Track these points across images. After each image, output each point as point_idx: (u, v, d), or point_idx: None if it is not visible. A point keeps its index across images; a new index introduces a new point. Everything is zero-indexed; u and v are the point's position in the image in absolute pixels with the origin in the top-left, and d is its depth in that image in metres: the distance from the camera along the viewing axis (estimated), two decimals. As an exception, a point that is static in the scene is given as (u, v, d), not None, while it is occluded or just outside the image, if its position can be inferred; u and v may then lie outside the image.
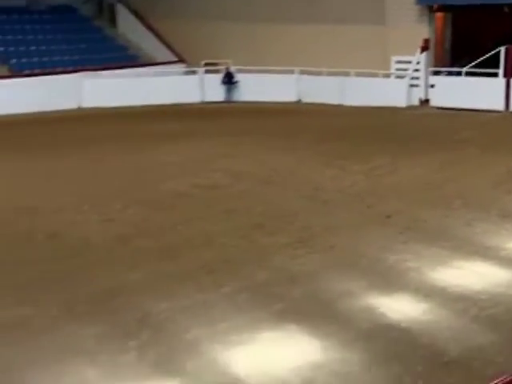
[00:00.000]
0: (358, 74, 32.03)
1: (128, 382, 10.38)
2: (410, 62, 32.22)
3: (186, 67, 35.24)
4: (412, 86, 32.44)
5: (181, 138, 25.54)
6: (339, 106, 32.09)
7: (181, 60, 35.09)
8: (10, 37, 32.53)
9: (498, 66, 29.64)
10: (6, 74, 30.80)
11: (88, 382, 10.33)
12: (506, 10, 30.36)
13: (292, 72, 33.14)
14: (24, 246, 15.34)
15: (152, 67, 33.60)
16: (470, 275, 13.44)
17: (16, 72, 30.95)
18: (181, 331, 11.77)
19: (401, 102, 31.86)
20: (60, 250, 15.18)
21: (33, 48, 32.11)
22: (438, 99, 31.02)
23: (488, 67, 29.38)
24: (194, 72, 34.13)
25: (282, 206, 17.93)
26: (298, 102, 33.34)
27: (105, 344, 11.37)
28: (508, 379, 6.40)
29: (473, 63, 30.02)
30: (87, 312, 12.40)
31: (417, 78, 32.51)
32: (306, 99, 33.06)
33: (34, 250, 15.21)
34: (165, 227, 16.57)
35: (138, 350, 11.18)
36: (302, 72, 33.07)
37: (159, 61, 34.27)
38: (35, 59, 31.63)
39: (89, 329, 11.82)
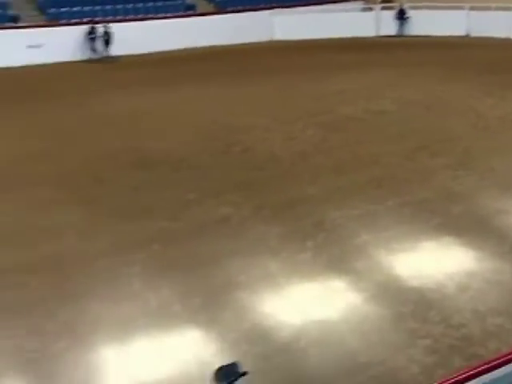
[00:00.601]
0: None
1: (304, 277, 10.62)
2: None
3: (364, 4, 34.25)
4: None
5: (356, 68, 24.95)
6: (507, 40, 29.74)
7: (359, -2, 34.07)
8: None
9: None
10: (212, 10, 31.48)
11: (271, 274, 10.71)
12: None
13: (462, 8, 31.07)
14: (222, 157, 15.86)
15: (334, 4, 32.92)
16: None
17: (220, 9, 31.49)
18: (351, 236, 11.83)
19: None
20: (252, 162, 15.56)
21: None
22: None
23: None
24: (370, 9, 33.27)
25: (445, 131, 17.17)
26: (466, 36, 31.29)
27: (286, 243, 11.68)
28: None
29: None
30: (272, 216, 12.73)
31: None
32: (474, 33, 30.88)
33: (230, 160, 15.70)
34: (339, 146, 16.46)
35: (313, 250, 11.38)
36: (472, 8, 30.88)
37: (340, -1, 33.45)
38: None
39: (273, 230, 12.17)
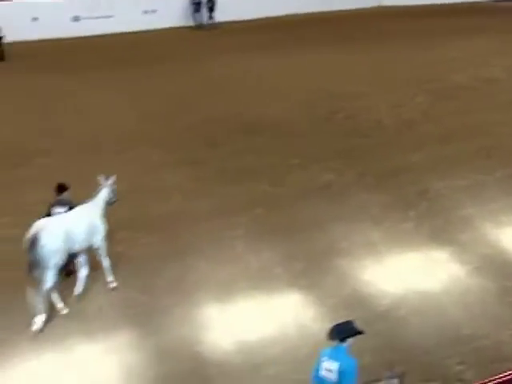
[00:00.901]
0: None
1: (406, 247, 10.43)
2: None
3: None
4: None
5: (468, 34, 23.80)
6: None
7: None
8: None
9: None
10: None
11: (372, 242, 10.58)
12: None
13: None
14: (326, 124, 15.71)
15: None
16: None
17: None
18: (456, 207, 11.46)
19: None
20: (355, 130, 15.32)
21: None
22: None
23: None
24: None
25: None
26: None
27: (388, 212, 11.48)
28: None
29: None
30: (375, 183, 12.53)
31: None
32: None
33: (334, 127, 15.52)
34: (447, 115, 15.87)
35: (416, 220, 11.12)
36: None
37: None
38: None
39: (375, 198, 11.99)
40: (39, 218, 8.81)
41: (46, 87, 18.71)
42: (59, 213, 9.09)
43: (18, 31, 22.83)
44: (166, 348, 8.24)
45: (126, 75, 19.88)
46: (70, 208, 9.22)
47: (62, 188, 9.47)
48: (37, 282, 8.53)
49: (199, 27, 26.97)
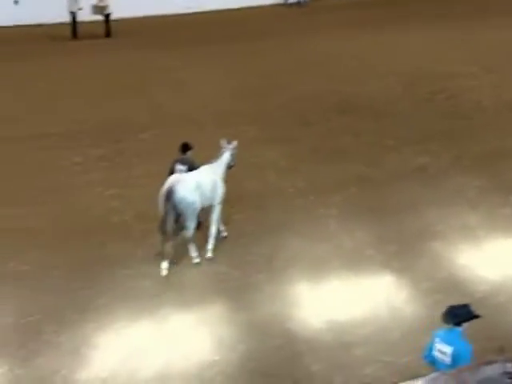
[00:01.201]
0: None
1: (505, 232, 9.96)
2: None
3: None
4: None
5: None
6: None
7: None
8: None
9: None
10: None
11: (469, 226, 10.18)
12: None
13: None
14: (425, 105, 15.22)
15: None
16: None
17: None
18: None
19: None
20: (455, 111, 14.77)
21: None
22: None
23: None
24: None
25: None
26: None
27: (485, 196, 11.02)
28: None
29: None
30: (472, 167, 12.05)
31: None
32: None
33: (433, 108, 15.01)
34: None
35: (516, 206, 10.61)
36: None
37: None
38: None
39: (472, 182, 11.54)
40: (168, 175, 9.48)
41: (147, 63, 19.11)
42: (181, 170, 9.72)
43: (123, 8, 23.38)
44: (256, 323, 8.26)
45: (218, 52, 20.01)
46: (190, 167, 9.74)
47: (185, 147, 10.03)
48: (168, 233, 9.20)
49: (288, 4, 26.79)
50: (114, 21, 22.49)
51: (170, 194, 9.11)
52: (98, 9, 22.23)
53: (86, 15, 22.48)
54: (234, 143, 9.95)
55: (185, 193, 9.19)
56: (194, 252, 9.47)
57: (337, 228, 10.24)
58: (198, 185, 9.36)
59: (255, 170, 12.07)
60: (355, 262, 9.37)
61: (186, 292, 8.85)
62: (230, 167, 9.99)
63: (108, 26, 22.53)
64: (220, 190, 9.68)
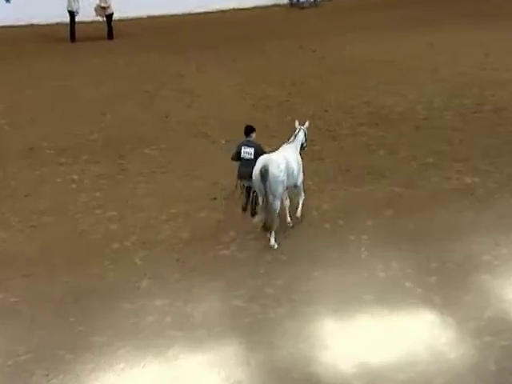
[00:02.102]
0: None
1: None
2: None
3: None
4: None
5: None
6: None
7: None
8: None
9: None
10: None
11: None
12: None
13: None
14: (470, 117, 15.25)
15: None
16: None
17: None
18: None
19: None
20: (505, 124, 14.74)
21: None
22: None
23: None
24: None
25: None
26: None
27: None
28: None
29: None
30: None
31: None
32: None
33: (479, 121, 15.03)
34: None
35: None
36: None
37: None
38: None
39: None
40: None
41: (153, 68, 19.40)
42: (248, 153, 11.11)
43: (126, 8, 23.78)
44: (276, 365, 8.16)
45: (236, 54, 20.27)
46: (257, 149, 11.06)
47: (249, 129, 11.30)
48: (260, 212, 10.36)
49: (296, 5, 27.23)
50: (118, 21, 22.88)
51: (264, 173, 10.26)
52: (101, 9, 22.58)
53: (85, 16, 22.85)
54: (307, 123, 11.48)
55: (277, 172, 10.38)
56: (273, 238, 10.48)
57: (369, 256, 10.16)
58: (288, 164, 10.61)
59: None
60: (390, 295, 9.26)
61: (198, 329, 8.81)
62: (303, 148, 11.38)
63: (110, 28, 22.87)
64: (302, 168, 10.99)
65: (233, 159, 11.34)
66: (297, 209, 11.15)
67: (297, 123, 11.42)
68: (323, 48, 21.08)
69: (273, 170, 10.33)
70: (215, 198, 11.96)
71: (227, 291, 9.49)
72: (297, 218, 11.12)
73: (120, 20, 23.53)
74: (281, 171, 10.43)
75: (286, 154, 10.80)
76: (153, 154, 13.87)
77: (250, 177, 10.71)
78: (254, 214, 11.08)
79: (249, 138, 11.29)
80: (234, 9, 26.62)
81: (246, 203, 11.37)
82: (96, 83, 18.16)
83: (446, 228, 10.83)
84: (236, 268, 9.93)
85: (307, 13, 26.55)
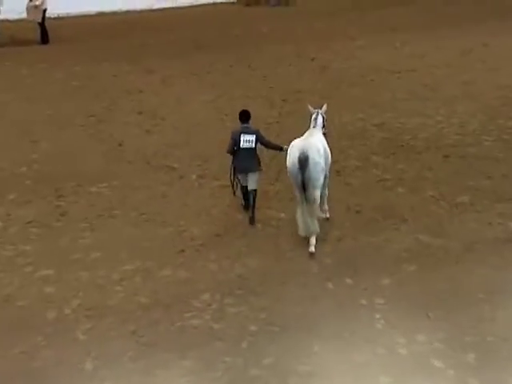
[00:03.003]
0: None
1: None
2: None
3: None
4: None
5: None
6: None
7: None
8: None
9: None
10: None
11: None
12: None
13: None
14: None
15: None
16: None
17: None
18: None
19: None
20: None
21: None
22: None
23: None
24: None
25: None
26: None
27: None
28: None
29: None
30: None
31: None
32: None
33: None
34: None
35: None
36: None
37: None
38: None
39: None
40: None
41: (100, 81, 19.57)
42: (249, 141, 12.49)
43: (63, 2, 24.00)
44: None
45: (212, 62, 20.50)
46: (258, 136, 12.54)
47: (245, 115, 12.64)
48: (308, 204, 11.58)
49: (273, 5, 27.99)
50: (55, 19, 23.06)
51: (304, 161, 11.46)
52: (34, 10, 22.66)
53: (12, 11, 22.94)
54: (324, 106, 12.89)
55: (318, 158, 11.64)
56: (314, 239, 11.72)
57: (385, 327, 10.14)
58: (325, 150, 11.98)
59: (266, 238, 12.24)
60: (415, 377, 9.25)
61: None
62: (324, 133, 12.57)
63: (43, 29, 22.95)
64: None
65: (229, 152, 12.66)
66: (322, 207, 12.30)
67: (310, 108, 12.79)
68: (324, 55, 21.35)
69: (313, 156, 11.60)
70: (183, 251, 11.95)
71: (199, 373, 9.43)
72: (326, 218, 12.45)
73: (58, 18, 23.74)
74: (321, 157, 11.69)
75: (319, 138, 12.15)
76: (102, 193, 13.87)
77: (252, 169, 12.54)
78: (252, 221, 12.59)
79: (246, 125, 12.64)
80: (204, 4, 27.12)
81: (247, 204, 12.84)
82: (26, 102, 18.20)
83: (486, 289, 10.85)
84: (211, 342, 9.88)
85: (292, 12, 26.97)
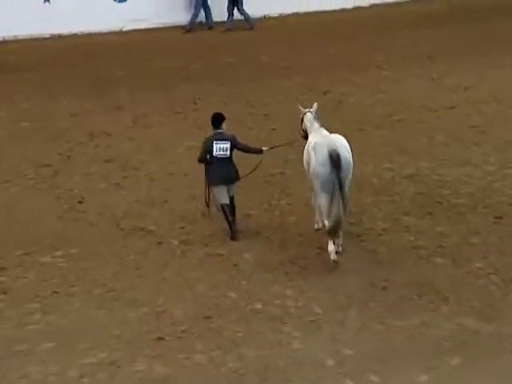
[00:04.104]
0: None
1: None
2: None
3: None
4: None
5: None
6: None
7: None
8: None
9: None
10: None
11: None
12: None
13: None
14: None
15: None
16: None
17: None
18: None
19: None
20: None
21: None
22: None
23: None
24: None
25: None
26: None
27: None
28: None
29: None
30: None
31: None
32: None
33: None
34: None
35: None
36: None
37: None
38: None
39: None
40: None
41: (56, 121, 19.62)
42: (223, 149, 13.91)
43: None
44: None
45: (185, 96, 20.57)
46: (233, 143, 14.02)
47: (218, 118, 14.18)
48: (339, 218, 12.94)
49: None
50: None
51: (337, 159, 12.96)
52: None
53: None
54: (315, 105, 14.80)
55: (349, 155, 13.26)
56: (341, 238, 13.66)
57: None
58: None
59: (268, 321, 12.20)
60: None
61: None
62: None
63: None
64: None
65: (200, 161, 14.15)
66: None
67: (301, 109, 14.80)
68: (340, 88, 21.47)
69: (344, 154, 13.15)
70: (161, 338, 11.91)
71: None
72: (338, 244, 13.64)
73: (2, 42, 23.86)
74: (349, 152, 13.30)
75: (338, 137, 13.64)
76: (56, 265, 13.82)
77: (230, 180, 13.96)
78: (235, 236, 14.02)
79: (219, 130, 14.10)
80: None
81: (230, 222, 14.11)
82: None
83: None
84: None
85: (297, 35, 27.22)
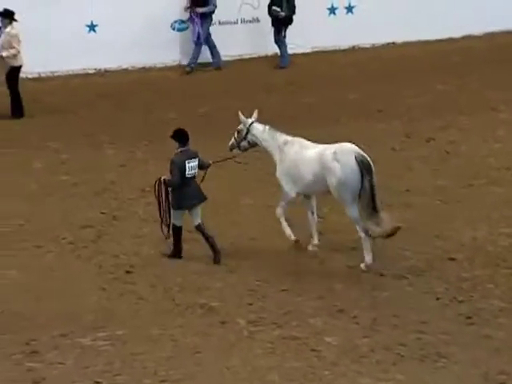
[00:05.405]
0: None
1: None
2: None
3: None
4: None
5: None
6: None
7: None
8: None
9: None
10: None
11: None
12: None
13: None
14: None
15: None
16: None
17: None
18: None
19: None
20: None
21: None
22: None
23: None
24: None
25: None
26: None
27: None
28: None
29: None
30: None
31: None
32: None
33: None
34: None
35: None
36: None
37: None
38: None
39: None
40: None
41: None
42: (193, 168, 15.59)
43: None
44: None
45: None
46: (200, 162, 15.94)
47: (183, 136, 15.79)
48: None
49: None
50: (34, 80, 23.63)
51: (367, 163, 14.95)
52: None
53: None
54: (255, 113, 16.65)
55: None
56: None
57: None
58: None
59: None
60: None
61: None
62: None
63: (15, 95, 23.34)
64: None
65: (177, 183, 15.56)
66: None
67: (242, 116, 16.66)
68: (446, 135, 21.57)
69: (369, 160, 14.91)
70: None
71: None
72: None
73: (38, 79, 24.21)
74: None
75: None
76: (98, 349, 13.85)
77: (203, 199, 15.71)
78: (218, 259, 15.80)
79: (186, 148, 15.79)
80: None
81: (179, 248, 16.00)
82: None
83: None
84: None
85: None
